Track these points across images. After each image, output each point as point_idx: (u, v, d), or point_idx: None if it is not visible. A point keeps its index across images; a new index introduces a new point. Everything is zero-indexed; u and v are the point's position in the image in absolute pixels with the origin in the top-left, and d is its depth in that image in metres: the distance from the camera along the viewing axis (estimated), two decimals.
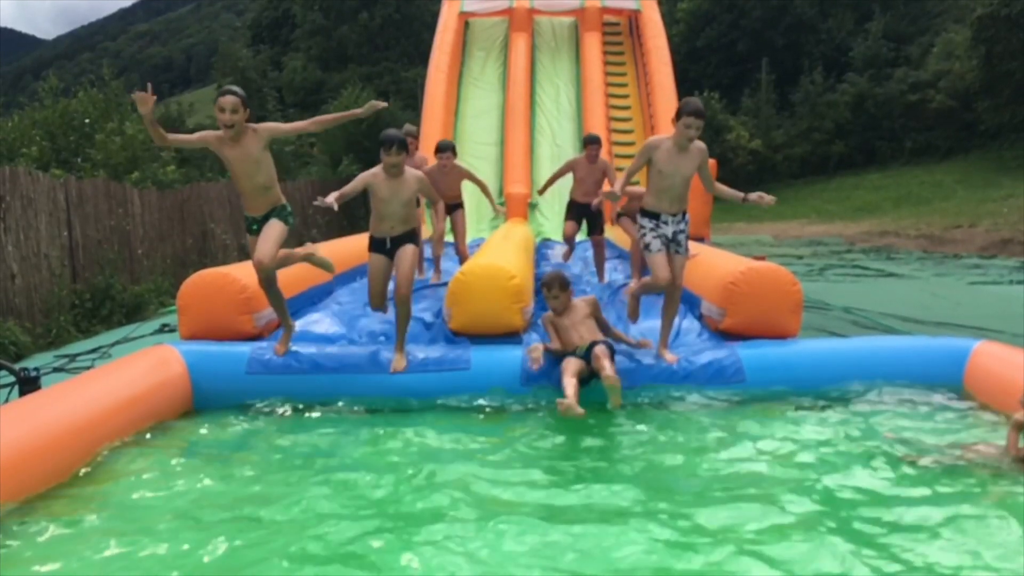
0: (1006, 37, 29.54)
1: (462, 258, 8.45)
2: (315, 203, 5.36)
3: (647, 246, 5.58)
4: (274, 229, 5.13)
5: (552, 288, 5.50)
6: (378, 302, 5.76)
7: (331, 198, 5.21)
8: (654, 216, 5.56)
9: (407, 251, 5.57)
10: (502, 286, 5.83)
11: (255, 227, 5.24)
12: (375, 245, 5.67)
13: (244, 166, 5.03)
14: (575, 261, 9.48)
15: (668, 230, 5.54)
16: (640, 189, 8.41)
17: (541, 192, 9.02)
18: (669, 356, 5.50)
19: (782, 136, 37.99)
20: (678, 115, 5.35)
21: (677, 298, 5.72)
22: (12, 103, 22.21)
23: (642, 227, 5.61)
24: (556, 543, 3.17)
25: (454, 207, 8.58)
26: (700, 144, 5.47)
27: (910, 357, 5.33)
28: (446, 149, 8.28)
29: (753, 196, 5.61)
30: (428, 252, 8.80)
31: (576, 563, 3.02)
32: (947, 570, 2.96)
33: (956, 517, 3.42)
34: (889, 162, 35.03)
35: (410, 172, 5.64)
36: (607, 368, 4.93)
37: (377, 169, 5.55)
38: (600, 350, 5.07)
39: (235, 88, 5.00)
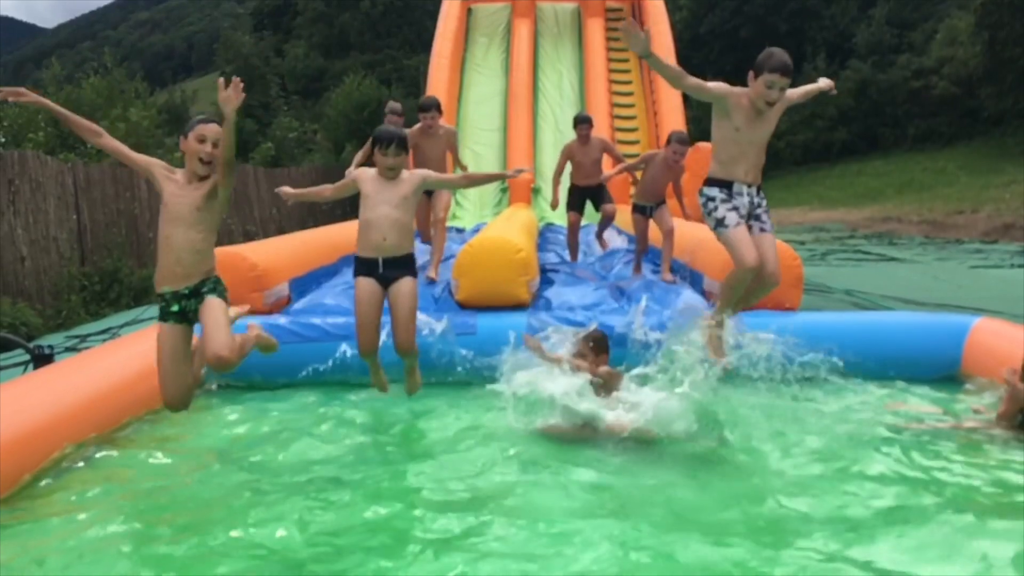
0: (1009, 23, 29.49)
1: (437, 225, 7.25)
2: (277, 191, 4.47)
3: (719, 222, 4.26)
4: (220, 311, 3.73)
5: (587, 341, 4.60)
6: (369, 346, 4.40)
7: (290, 192, 4.41)
8: (725, 185, 4.31)
9: (405, 288, 4.30)
10: (509, 259, 5.94)
11: (175, 308, 3.74)
12: (362, 267, 4.34)
13: (183, 213, 3.70)
14: (592, 256, 9.14)
15: (744, 201, 4.30)
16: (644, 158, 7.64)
17: (554, 206, 8.31)
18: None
19: (785, 123, 37.69)
20: (757, 70, 4.18)
21: (768, 288, 4.40)
22: None
23: (710, 199, 4.31)
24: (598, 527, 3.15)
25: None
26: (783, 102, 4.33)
27: (911, 332, 5.41)
28: (430, 107, 6.79)
29: (823, 83, 4.87)
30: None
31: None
32: (942, 542, 3.03)
33: (951, 486, 3.53)
34: (892, 149, 35.03)
35: (409, 171, 4.49)
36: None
37: (372, 170, 4.47)
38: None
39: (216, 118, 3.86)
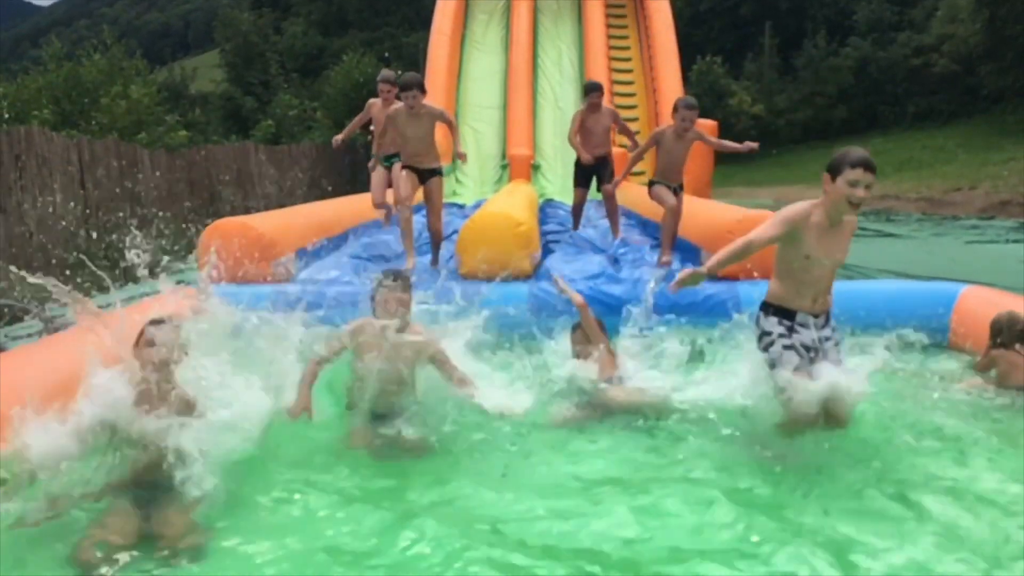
0: (1010, 0, 29.38)
1: (434, 235, 6.87)
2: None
3: (775, 361, 3.60)
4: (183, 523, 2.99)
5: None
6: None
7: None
8: (787, 315, 3.64)
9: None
10: (512, 232, 6.08)
11: (141, 496, 3.06)
12: (355, 418, 3.93)
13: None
14: (590, 228, 9.14)
15: (809, 336, 3.62)
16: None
17: (586, 160, 7.80)
18: None
19: (785, 101, 37.93)
20: (834, 171, 3.51)
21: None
22: (19, 70, 22.26)
23: (766, 332, 3.66)
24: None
25: (429, 173, 6.66)
26: (854, 217, 3.67)
27: (900, 300, 5.56)
28: (411, 86, 6.20)
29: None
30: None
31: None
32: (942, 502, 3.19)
33: (943, 452, 3.71)
34: (891, 127, 35.03)
35: (420, 337, 3.90)
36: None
37: (378, 322, 3.87)
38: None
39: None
